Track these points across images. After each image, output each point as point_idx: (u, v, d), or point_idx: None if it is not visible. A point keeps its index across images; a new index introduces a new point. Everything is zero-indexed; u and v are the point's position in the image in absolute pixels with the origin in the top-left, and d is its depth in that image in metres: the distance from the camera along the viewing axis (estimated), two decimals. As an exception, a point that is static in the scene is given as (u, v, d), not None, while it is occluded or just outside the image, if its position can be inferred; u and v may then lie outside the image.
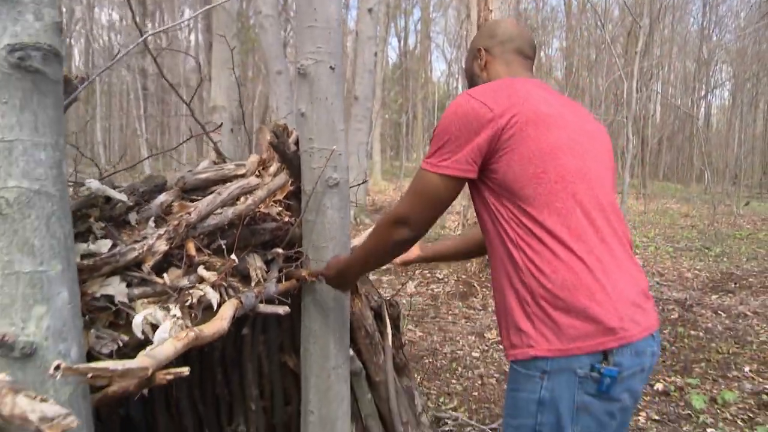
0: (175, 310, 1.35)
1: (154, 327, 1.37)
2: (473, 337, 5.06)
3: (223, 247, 1.66)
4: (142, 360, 1.16)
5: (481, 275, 6.58)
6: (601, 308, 1.35)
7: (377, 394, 2.33)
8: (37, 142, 1.05)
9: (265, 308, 1.73)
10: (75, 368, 1.01)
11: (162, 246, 1.44)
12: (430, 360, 4.55)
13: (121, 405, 2.69)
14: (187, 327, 1.36)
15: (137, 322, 1.27)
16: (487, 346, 4.86)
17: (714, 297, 6.53)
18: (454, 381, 4.17)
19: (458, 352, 4.74)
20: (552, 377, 1.37)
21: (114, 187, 1.47)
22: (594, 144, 1.52)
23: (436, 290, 6.27)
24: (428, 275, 6.77)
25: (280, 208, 2.07)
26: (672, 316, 5.71)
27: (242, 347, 2.40)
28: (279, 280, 1.94)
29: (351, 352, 2.25)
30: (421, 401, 2.54)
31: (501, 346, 4.85)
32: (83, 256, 1.32)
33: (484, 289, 6.20)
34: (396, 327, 2.57)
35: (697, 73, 26.09)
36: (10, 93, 1.01)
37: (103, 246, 1.37)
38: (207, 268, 1.60)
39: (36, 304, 1.05)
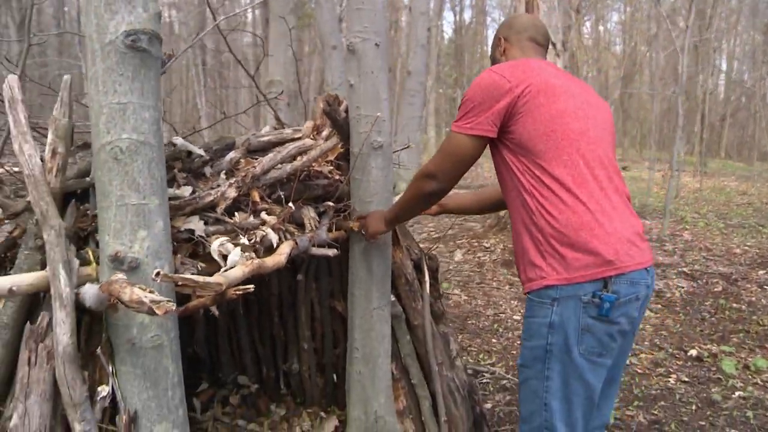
0: (244, 240, 1.66)
1: (225, 258, 1.69)
2: (515, 302, 5.29)
3: (282, 197, 1.96)
4: (218, 278, 1.47)
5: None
6: (600, 243, 1.61)
7: (415, 336, 2.62)
8: (143, 104, 1.36)
9: (317, 251, 2.03)
10: (170, 276, 1.33)
11: (232, 193, 1.76)
12: (473, 321, 4.82)
13: (190, 344, 3.07)
14: (252, 258, 1.68)
15: (214, 247, 1.59)
16: (527, 310, 5.08)
17: (762, 272, 6.53)
18: (494, 340, 4.43)
19: (500, 315, 4.99)
20: (561, 303, 1.64)
21: (193, 145, 1.79)
22: (596, 113, 1.78)
23: (482, 258, 6.50)
24: (476, 244, 7.00)
25: (332, 168, 2.37)
26: (715, 289, 5.78)
27: (297, 292, 2.73)
28: (329, 229, 2.24)
29: (392, 297, 2.54)
30: (456, 347, 2.81)
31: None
32: (170, 199, 1.64)
33: (528, 259, 6.40)
34: (434, 278, 2.84)
35: (766, 45, 25.01)
36: (125, 67, 1.33)
37: (186, 191, 1.69)
38: (268, 214, 1.91)
39: (140, 229, 1.38)
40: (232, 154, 1.90)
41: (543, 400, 1.72)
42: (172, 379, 1.47)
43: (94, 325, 1.43)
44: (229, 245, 1.64)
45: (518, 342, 4.42)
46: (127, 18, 1.31)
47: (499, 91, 1.68)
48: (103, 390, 1.40)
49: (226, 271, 1.54)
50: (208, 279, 1.44)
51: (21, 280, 1.30)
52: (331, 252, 2.08)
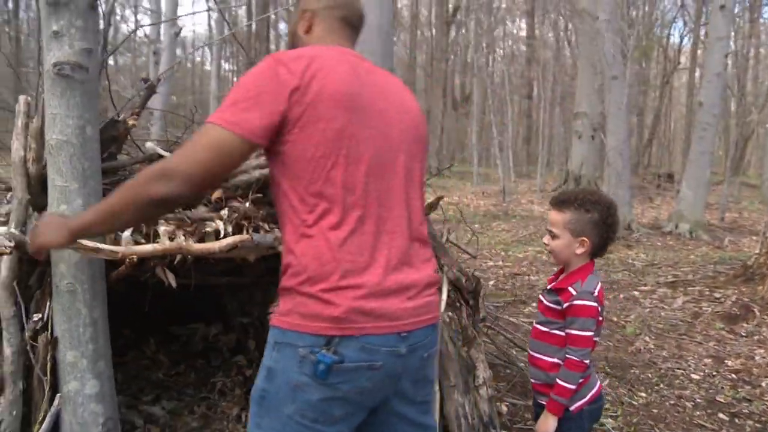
0: (169, 228, 2.08)
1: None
2: (708, 360, 4.56)
3: (251, 198, 2.32)
4: (116, 247, 1.93)
5: (770, 300, 5.66)
6: (334, 295, 1.36)
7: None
8: (68, 115, 1.89)
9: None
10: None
11: (190, 189, 2.19)
12: (638, 371, 4.34)
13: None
14: (181, 242, 2.08)
15: (126, 234, 2.03)
16: (717, 372, 4.35)
17: None
18: (642, 393, 3.96)
19: (676, 370, 4.38)
20: (280, 349, 1.42)
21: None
22: (396, 129, 1.51)
23: (703, 308, 5.67)
24: (707, 293, 6.10)
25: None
26: None
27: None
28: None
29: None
30: (485, 375, 2.74)
31: (732, 376, 4.31)
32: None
33: (765, 316, 5.35)
34: (475, 300, 2.84)
35: None
36: (54, 88, 1.88)
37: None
38: (234, 211, 2.29)
39: (62, 204, 1.91)
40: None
41: None
42: (84, 320, 1.96)
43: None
44: (161, 229, 2.08)
45: (671, 401, 3.86)
46: (56, 54, 1.87)
47: (282, 88, 1.36)
48: (36, 316, 1.97)
49: (136, 246, 1.99)
50: (101, 245, 1.90)
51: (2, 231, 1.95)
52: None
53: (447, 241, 3.59)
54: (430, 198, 2.67)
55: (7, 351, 1.92)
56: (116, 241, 2.00)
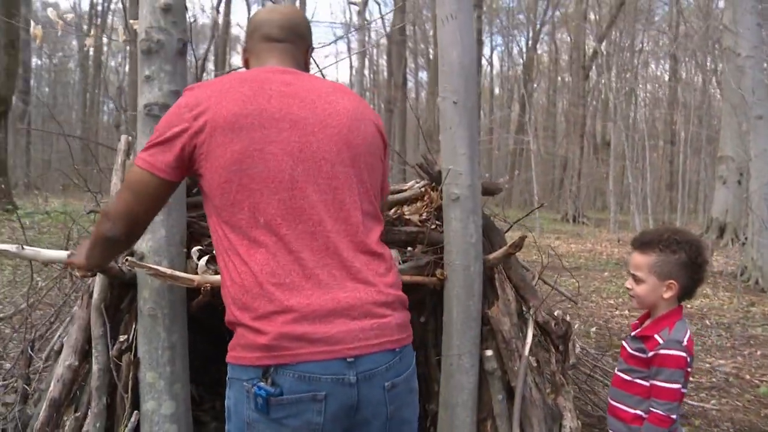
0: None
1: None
2: None
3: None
4: (193, 275, 2.04)
5: None
6: (263, 321, 1.31)
7: (511, 398, 2.54)
8: (155, 151, 2.06)
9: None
10: (140, 264, 1.97)
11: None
12: None
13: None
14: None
15: (201, 263, 2.14)
16: None
17: None
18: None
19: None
20: (232, 386, 1.37)
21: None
22: (318, 137, 1.42)
23: None
24: None
25: (424, 216, 2.62)
26: None
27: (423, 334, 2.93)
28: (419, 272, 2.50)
29: (489, 353, 2.56)
30: (574, 425, 2.55)
31: None
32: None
33: None
34: (565, 345, 2.67)
35: None
36: (145, 127, 2.06)
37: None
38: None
39: (146, 234, 2.06)
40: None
41: None
42: (163, 343, 2.08)
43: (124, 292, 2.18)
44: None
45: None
46: (147, 96, 2.05)
47: (178, 122, 1.38)
48: (122, 337, 2.12)
49: (210, 275, 2.09)
50: (177, 273, 2.03)
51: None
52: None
53: (545, 283, 3.44)
54: (512, 236, 2.58)
55: (95, 367, 2.07)
56: (195, 270, 2.12)
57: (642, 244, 1.99)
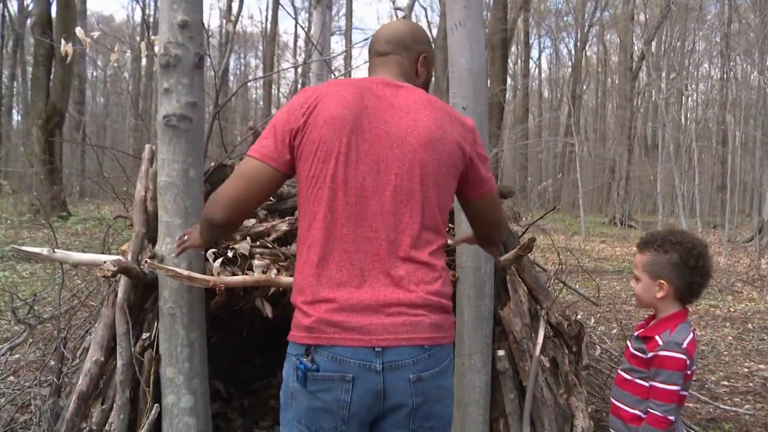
0: (263, 262, 2.27)
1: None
2: None
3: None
4: (208, 276, 2.16)
5: None
6: (309, 306, 1.49)
7: (523, 397, 2.57)
8: (173, 159, 2.19)
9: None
10: (159, 265, 2.10)
11: (283, 227, 2.40)
12: None
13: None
14: (271, 275, 2.27)
15: (216, 265, 2.25)
16: None
17: None
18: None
19: None
20: (287, 359, 1.55)
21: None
22: (395, 151, 1.53)
23: None
24: None
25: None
26: None
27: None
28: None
29: (502, 352, 2.61)
30: (585, 425, 2.57)
31: None
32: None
33: None
34: (578, 346, 2.69)
35: None
36: (163, 137, 2.19)
37: (248, 222, 2.42)
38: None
39: (166, 237, 2.19)
40: (290, 202, 2.53)
41: None
42: (182, 341, 2.21)
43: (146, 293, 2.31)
44: (255, 263, 2.29)
45: None
46: (166, 107, 2.19)
47: (292, 117, 1.54)
48: (145, 335, 2.25)
49: (226, 276, 2.21)
50: (194, 274, 2.15)
51: (107, 258, 2.29)
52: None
53: (565, 286, 3.45)
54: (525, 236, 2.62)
55: (119, 363, 2.21)
56: (211, 272, 2.24)
57: (642, 243, 2.02)
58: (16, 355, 3.80)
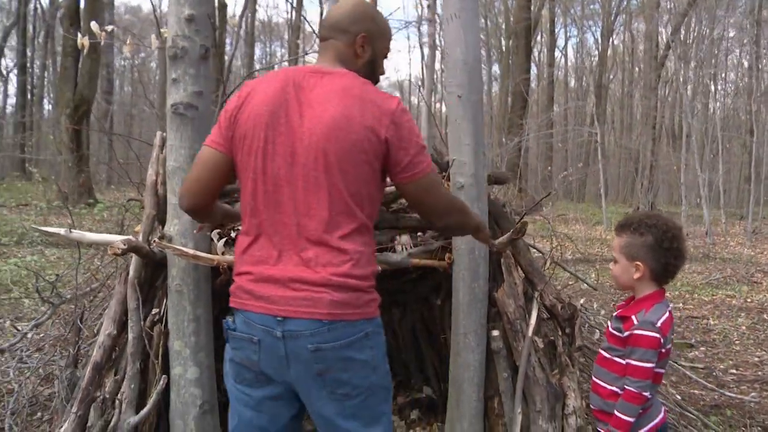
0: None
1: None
2: None
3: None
4: (213, 255, 2.30)
5: None
6: (236, 277, 1.73)
7: (516, 376, 2.67)
8: (181, 146, 2.32)
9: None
10: (167, 245, 2.24)
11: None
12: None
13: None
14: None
15: (220, 245, 2.38)
16: None
17: None
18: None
19: None
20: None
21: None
22: (305, 141, 1.63)
23: None
24: None
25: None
26: None
27: (441, 315, 3.10)
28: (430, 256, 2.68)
29: (496, 332, 2.71)
30: (576, 404, 2.65)
31: None
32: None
33: None
34: (571, 328, 2.78)
35: None
36: (172, 124, 2.33)
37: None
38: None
39: (174, 218, 2.33)
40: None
41: None
42: (189, 316, 2.35)
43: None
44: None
45: None
46: (174, 96, 2.32)
47: (228, 113, 1.73)
48: (154, 311, 2.40)
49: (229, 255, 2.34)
50: (199, 253, 2.29)
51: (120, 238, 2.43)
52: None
53: (565, 270, 3.53)
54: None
55: (130, 336, 2.36)
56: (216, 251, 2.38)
57: (619, 226, 2.10)
58: (41, 334, 4.02)
